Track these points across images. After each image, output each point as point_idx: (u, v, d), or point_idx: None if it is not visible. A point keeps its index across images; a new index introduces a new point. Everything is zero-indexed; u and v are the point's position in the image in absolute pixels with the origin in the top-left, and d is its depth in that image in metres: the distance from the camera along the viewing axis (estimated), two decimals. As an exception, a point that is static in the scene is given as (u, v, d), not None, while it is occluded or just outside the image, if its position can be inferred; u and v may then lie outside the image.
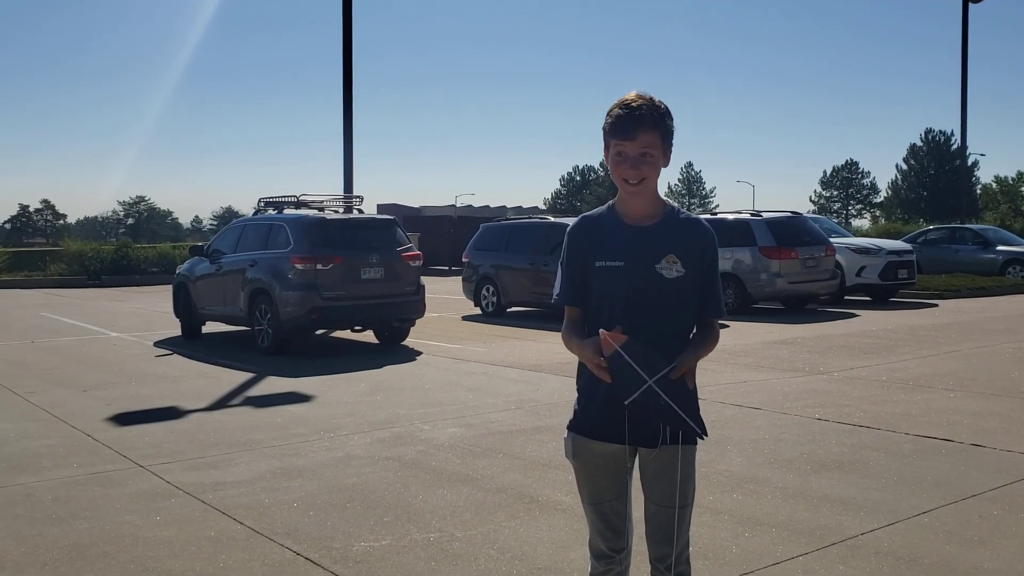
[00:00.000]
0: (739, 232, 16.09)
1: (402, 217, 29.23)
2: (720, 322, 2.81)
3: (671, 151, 2.67)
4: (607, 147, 2.65)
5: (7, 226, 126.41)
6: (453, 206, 55.06)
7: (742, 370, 9.68)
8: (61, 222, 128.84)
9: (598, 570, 2.77)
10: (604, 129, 2.65)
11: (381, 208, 38.42)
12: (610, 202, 2.78)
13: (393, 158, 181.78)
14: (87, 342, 13.34)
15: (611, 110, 2.63)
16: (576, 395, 2.76)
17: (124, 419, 7.57)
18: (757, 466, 5.72)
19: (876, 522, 4.68)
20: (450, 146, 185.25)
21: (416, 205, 47.17)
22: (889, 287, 18.13)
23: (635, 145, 2.58)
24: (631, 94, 2.63)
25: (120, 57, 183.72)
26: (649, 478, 2.70)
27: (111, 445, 6.60)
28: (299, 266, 11.48)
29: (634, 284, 2.61)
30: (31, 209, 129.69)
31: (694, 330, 2.71)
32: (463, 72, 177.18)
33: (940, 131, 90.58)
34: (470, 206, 57.53)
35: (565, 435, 2.77)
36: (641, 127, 2.57)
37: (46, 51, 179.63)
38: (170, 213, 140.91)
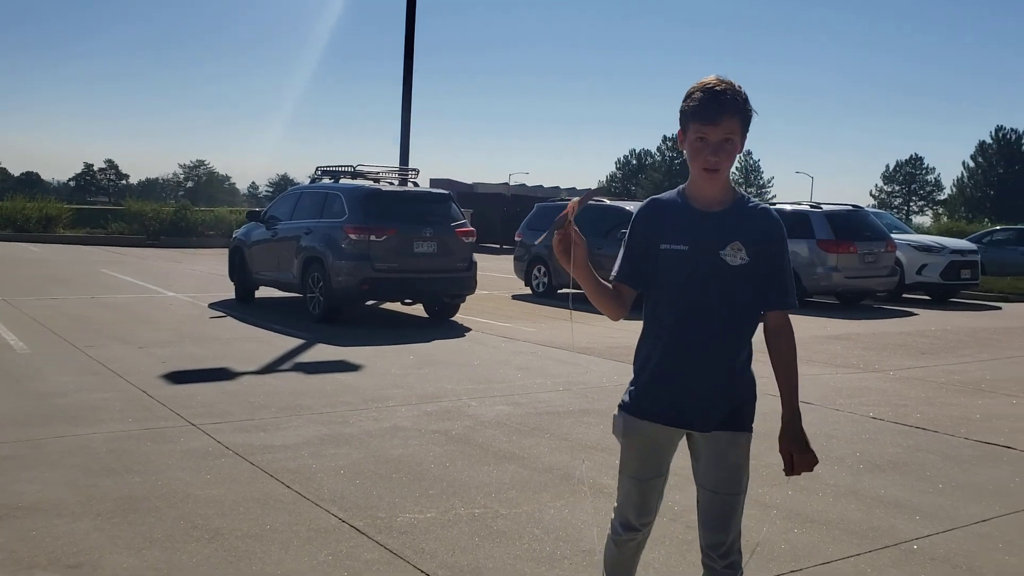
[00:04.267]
0: (797, 224, 15.76)
1: (455, 193, 29.14)
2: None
3: (746, 138, 2.62)
4: (685, 130, 2.59)
5: (71, 183, 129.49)
6: (506, 184, 55.05)
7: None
8: (123, 182, 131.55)
9: (622, 539, 2.80)
10: (684, 112, 2.58)
11: (434, 183, 38.49)
12: (680, 186, 2.73)
13: (449, 133, 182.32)
14: (144, 300, 13.60)
15: (692, 93, 2.56)
16: (632, 376, 2.75)
17: (178, 377, 7.70)
18: (808, 462, 5.60)
19: (932, 527, 4.56)
20: (506, 125, 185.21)
21: (469, 181, 47.20)
22: (950, 287, 17.69)
23: (718, 130, 2.52)
24: (711, 78, 2.57)
25: (184, 20, 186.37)
26: (702, 464, 2.69)
27: (165, 402, 6.71)
28: (353, 236, 11.53)
29: (697, 269, 2.59)
30: (95, 168, 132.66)
31: (771, 338, 2.69)
32: (523, 53, 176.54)
33: (1012, 129, 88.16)
34: (523, 185, 57.47)
35: (615, 412, 2.76)
36: (726, 112, 2.51)
37: (113, 11, 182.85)
38: (228, 178, 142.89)
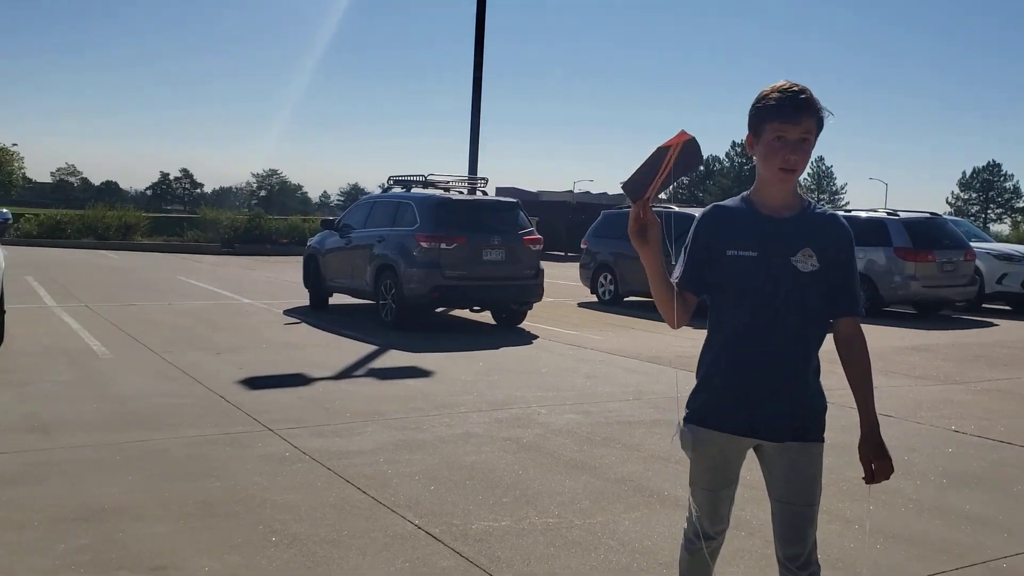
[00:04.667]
0: (873, 231, 15.40)
1: (520, 201, 29.03)
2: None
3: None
4: (759, 132, 2.53)
5: (148, 192, 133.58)
6: (571, 191, 54.80)
7: (873, 375, 9.27)
8: (198, 191, 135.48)
9: (696, 547, 2.76)
10: (759, 112, 2.53)
11: (500, 191, 38.52)
12: (744, 193, 2.70)
13: (513, 141, 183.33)
14: (220, 306, 13.92)
15: (767, 94, 2.52)
16: (694, 385, 2.71)
17: (254, 383, 7.85)
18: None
19: (1021, 545, 4.40)
20: (570, 132, 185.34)
21: (534, 189, 47.16)
22: (1032, 297, 17.07)
23: (798, 129, 2.48)
24: (784, 82, 2.53)
25: (257, 35, 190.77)
26: (775, 476, 2.64)
27: (242, 407, 6.85)
28: (424, 244, 11.65)
29: (768, 275, 2.55)
30: (171, 177, 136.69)
31: (844, 347, 2.66)
32: (587, 58, 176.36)
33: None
34: (588, 192, 57.13)
35: (682, 427, 2.71)
36: (805, 111, 2.48)
37: (187, 27, 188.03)
38: (300, 187, 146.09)
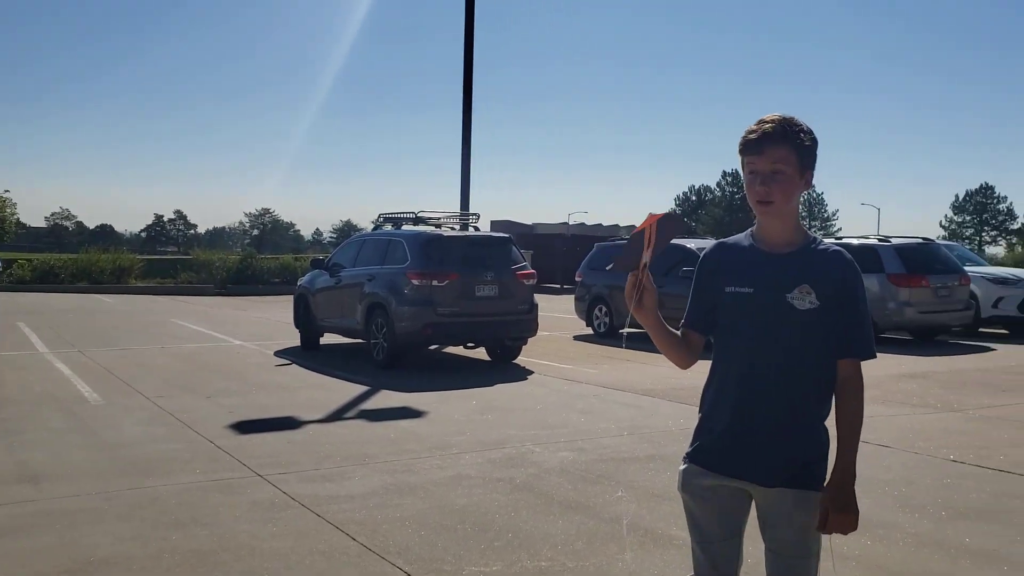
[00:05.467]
0: (865, 258, 15.38)
1: (515, 234, 28.95)
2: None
3: (812, 173, 2.53)
4: (742, 167, 2.54)
5: (143, 235, 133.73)
6: (566, 224, 54.93)
7: (868, 404, 9.09)
8: (192, 232, 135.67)
9: None
10: (739, 150, 2.53)
11: (494, 225, 38.67)
12: (750, 229, 2.66)
13: (506, 174, 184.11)
14: (212, 349, 13.84)
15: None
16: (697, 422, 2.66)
17: (244, 427, 7.77)
18: (887, 509, 5.38)
19: (1022, 579, 4.33)
20: (563, 163, 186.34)
21: (529, 222, 47.26)
22: (1029, 321, 17.04)
23: (763, 160, 2.45)
24: (768, 115, 2.52)
25: (248, 77, 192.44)
26: (765, 522, 2.55)
27: (232, 452, 6.77)
28: (415, 282, 11.62)
29: (762, 312, 2.50)
30: (165, 219, 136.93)
31: (838, 389, 2.54)
32: (578, 88, 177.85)
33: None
34: (583, 224, 57.30)
35: (681, 465, 2.66)
36: (770, 141, 2.44)
37: (180, 69, 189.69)
38: (292, 225, 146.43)
